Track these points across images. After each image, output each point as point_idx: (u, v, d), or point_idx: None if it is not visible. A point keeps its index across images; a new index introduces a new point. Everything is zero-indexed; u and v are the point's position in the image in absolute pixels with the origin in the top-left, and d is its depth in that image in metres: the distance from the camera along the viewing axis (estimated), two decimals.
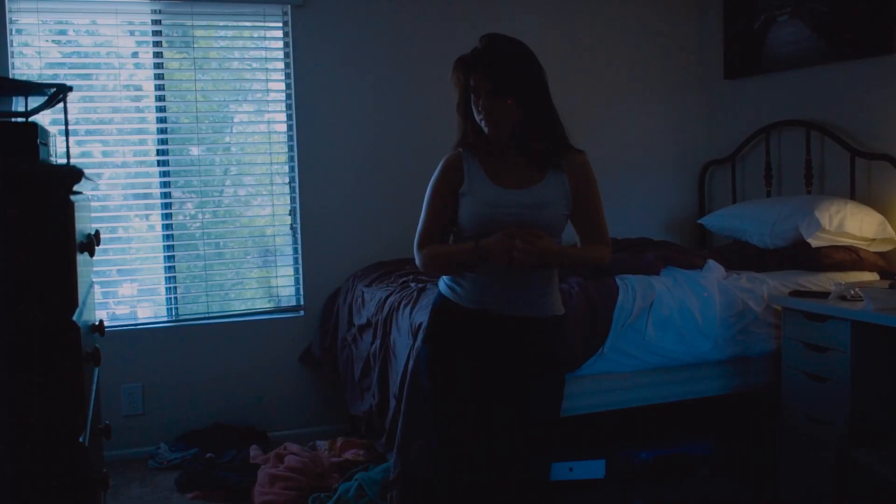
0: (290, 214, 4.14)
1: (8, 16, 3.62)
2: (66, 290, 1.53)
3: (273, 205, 4.13)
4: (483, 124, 2.12)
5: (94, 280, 2.54)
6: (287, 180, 4.13)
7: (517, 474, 2.21)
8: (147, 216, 4.02)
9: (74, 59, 3.90)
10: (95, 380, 2.10)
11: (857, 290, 2.95)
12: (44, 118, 2.72)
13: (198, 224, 4.04)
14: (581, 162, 2.23)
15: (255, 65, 4.11)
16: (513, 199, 2.13)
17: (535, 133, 2.15)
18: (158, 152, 3.96)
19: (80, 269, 1.59)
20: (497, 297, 2.15)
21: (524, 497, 2.21)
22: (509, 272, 2.10)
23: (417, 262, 2.23)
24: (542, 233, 2.07)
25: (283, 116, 4.10)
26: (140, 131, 3.96)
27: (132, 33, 3.95)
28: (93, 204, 3.43)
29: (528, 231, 2.04)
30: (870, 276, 3.45)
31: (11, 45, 3.64)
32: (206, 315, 4.02)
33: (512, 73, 2.08)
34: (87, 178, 1.67)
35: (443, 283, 2.27)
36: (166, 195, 3.97)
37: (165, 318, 3.99)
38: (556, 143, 2.19)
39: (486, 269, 2.12)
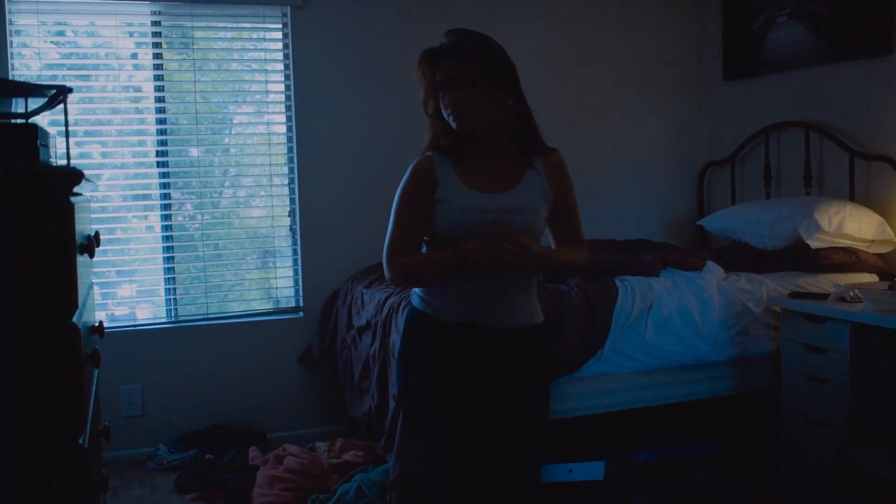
0: (289, 215, 4.14)
1: (7, 17, 3.62)
2: (65, 292, 1.53)
3: (272, 206, 4.13)
4: (451, 119, 2.01)
5: (93, 281, 2.54)
6: (286, 181, 4.13)
7: (506, 479, 2.14)
8: (146, 217, 4.02)
9: (73, 60, 3.90)
10: (95, 381, 2.10)
11: (856, 291, 2.96)
12: (43, 119, 2.72)
13: (197, 225, 4.04)
14: (557, 161, 2.13)
15: (254, 66, 4.11)
16: (491, 204, 2.02)
17: (508, 129, 2.06)
18: (158, 153, 3.96)
19: (79, 270, 1.59)
20: (477, 309, 2.05)
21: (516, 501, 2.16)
22: (488, 281, 2.02)
23: (388, 274, 2.08)
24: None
25: (282, 118, 4.11)
26: (139, 132, 3.96)
27: (131, 34, 3.95)
28: (92, 205, 3.42)
29: (510, 232, 1.97)
30: (869, 278, 3.46)
31: (11, 47, 3.64)
32: (206, 316, 4.02)
33: (483, 64, 1.99)
34: (87, 180, 1.67)
35: (415, 295, 2.15)
36: (165, 196, 3.97)
37: (164, 319, 3.99)
38: (533, 140, 2.10)
39: (466, 279, 2.01)
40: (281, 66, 4.08)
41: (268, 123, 4.12)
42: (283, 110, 4.11)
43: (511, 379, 2.11)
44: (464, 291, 2.04)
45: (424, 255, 2.10)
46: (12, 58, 3.65)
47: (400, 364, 2.19)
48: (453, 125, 2.02)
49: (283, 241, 4.16)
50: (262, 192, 4.14)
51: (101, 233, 2.03)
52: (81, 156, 3.83)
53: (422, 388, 2.13)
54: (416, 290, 2.15)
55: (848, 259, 3.45)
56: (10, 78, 3.57)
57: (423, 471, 2.17)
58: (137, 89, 3.97)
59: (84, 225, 1.81)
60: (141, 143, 3.97)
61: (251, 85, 4.12)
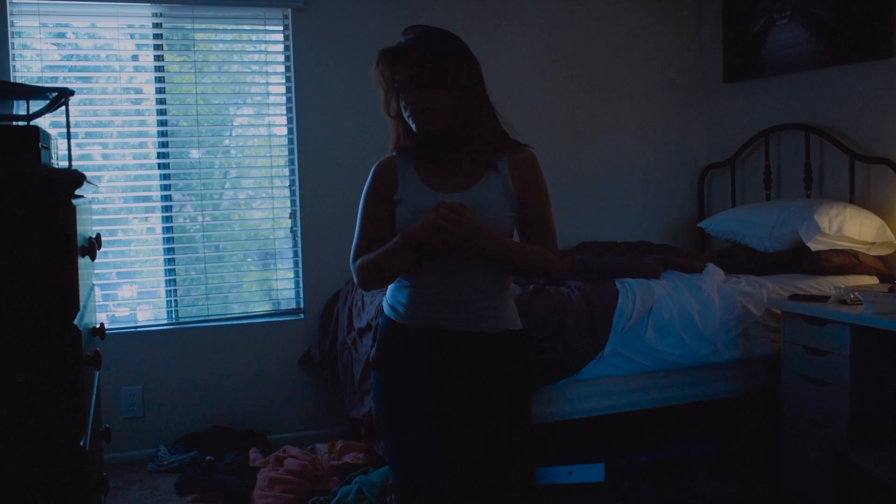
0: (290, 217, 4.14)
1: (9, 18, 3.62)
2: (67, 294, 1.53)
3: (273, 207, 4.14)
4: (411, 121, 1.94)
5: (94, 282, 2.54)
6: (287, 183, 4.13)
7: (483, 485, 2.04)
8: (147, 218, 4.03)
9: (74, 62, 3.90)
10: (96, 383, 2.11)
11: (856, 293, 2.96)
12: (44, 120, 2.72)
13: (197, 227, 4.04)
14: (525, 157, 2.02)
15: (255, 68, 4.11)
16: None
17: (470, 128, 1.96)
18: (158, 155, 3.96)
19: (81, 272, 1.59)
20: (439, 311, 1.98)
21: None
22: (447, 282, 1.96)
23: (355, 279, 2.01)
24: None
25: (283, 119, 4.11)
26: (140, 134, 3.96)
27: (132, 36, 3.96)
28: (93, 206, 3.43)
29: (453, 204, 1.85)
30: (869, 280, 3.46)
31: (12, 48, 3.65)
32: (206, 318, 4.02)
33: (441, 62, 1.90)
34: (89, 182, 1.67)
35: (385, 303, 2.09)
36: (166, 198, 3.97)
37: (165, 321, 3.99)
38: (495, 137, 2.01)
39: (425, 281, 1.96)
40: (282, 68, 4.09)
41: (268, 125, 4.13)
42: (284, 112, 4.11)
43: (479, 385, 2.02)
44: (424, 294, 1.99)
45: (379, 250, 1.97)
46: (13, 59, 3.66)
47: (373, 370, 2.14)
48: (413, 127, 1.96)
49: (283, 242, 4.17)
50: (263, 194, 4.14)
51: (101, 234, 2.03)
52: (82, 157, 3.84)
53: (388, 394, 2.06)
54: (386, 297, 2.10)
55: (848, 261, 3.46)
56: (12, 79, 3.58)
57: (398, 476, 2.11)
58: (138, 91, 3.97)
59: (85, 227, 1.82)
60: (142, 145, 3.97)
61: (252, 87, 4.12)
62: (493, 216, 1.95)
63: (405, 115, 1.96)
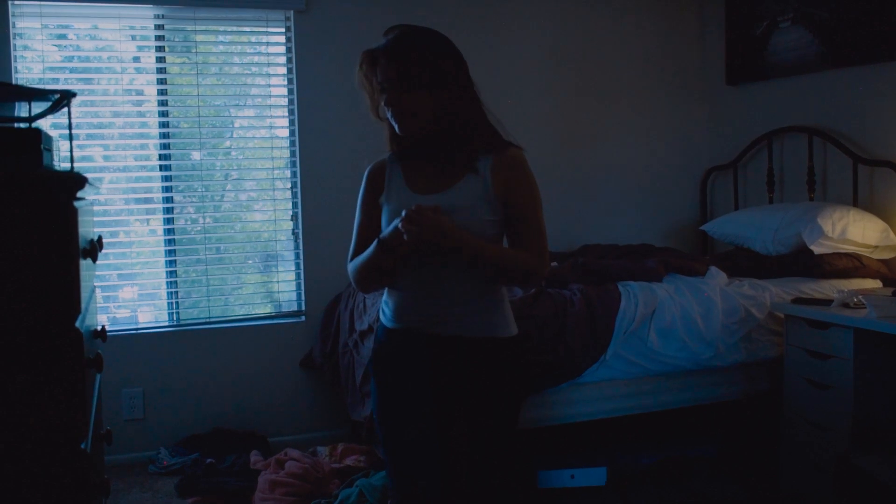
0: (291, 219, 4.13)
1: (11, 20, 3.62)
2: (68, 297, 1.52)
3: (275, 209, 4.13)
4: (394, 121, 1.91)
5: (95, 284, 2.53)
6: (289, 185, 4.12)
7: (462, 489, 2.01)
8: (148, 220, 4.02)
9: (76, 63, 3.90)
10: (97, 385, 2.10)
11: (859, 297, 2.95)
12: (45, 121, 2.72)
13: (199, 228, 4.03)
14: (511, 158, 1.93)
15: (256, 69, 4.11)
16: (424, 205, 1.86)
17: (455, 127, 1.92)
18: (160, 157, 3.95)
19: (82, 274, 1.58)
20: (416, 313, 1.95)
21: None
22: (425, 284, 1.93)
23: (352, 283, 2.04)
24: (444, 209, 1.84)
25: (284, 121, 4.10)
26: (141, 135, 3.96)
27: (134, 38, 3.95)
28: (94, 208, 3.42)
29: (425, 207, 1.81)
30: (872, 284, 3.45)
31: (14, 50, 3.64)
32: (207, 319, 4.02)
33: (423, 61, 1.87)
34: (90, 184, 1.66)
35: (380, 306, 2.10)
36: (168, 199, 3.97)
37: (166, 323, 3.98)
38: (481, 137, 1.95)
39: (409, 284, 1.95)
40: (283, 70, 4.08)
41: (270, 127, 4.12)
42: (286, 114, 4.10)
43: (464, 390, 1.98)
44: (407, 297, 1.97)
45: (364, 253, 1.97)
46: (15, 60, 3.65)
47: (372, 377, 2.14)
48: (396, 128, 1.92)
49: (285, 244, 4.16)
50: (265, 196, 4.14)
51: (102, 235, 2.03)
52: (83, 159, 3.83)
53: (383, 395, 2.05)
54: (381, 301, 2.09)
55: (851, 265, 3.45)
56: (13, 81, 3.57)
57: (395, 478, 2.10)
58: (140, 92, 3.97)
59: (87, 229, 1.81)
60: (143, 147, 3.97)
61: (253, 88, 4.12)
62: (473, 219, 1.89)
63: (389, 115, 1.92)
